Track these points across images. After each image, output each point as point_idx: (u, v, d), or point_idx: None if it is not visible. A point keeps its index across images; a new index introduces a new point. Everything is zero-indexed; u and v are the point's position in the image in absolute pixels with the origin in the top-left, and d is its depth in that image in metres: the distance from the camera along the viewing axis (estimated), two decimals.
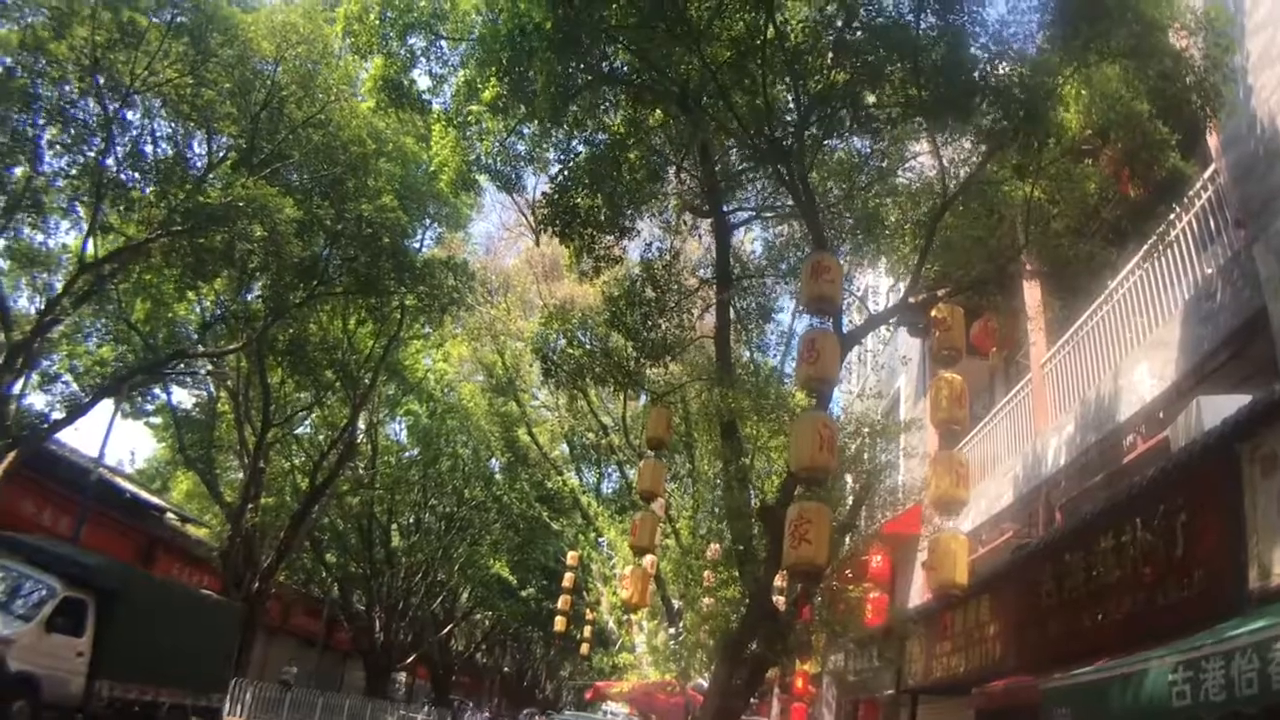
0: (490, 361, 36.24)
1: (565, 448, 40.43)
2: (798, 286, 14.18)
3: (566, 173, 13.79)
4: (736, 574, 13.14)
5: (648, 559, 23.04)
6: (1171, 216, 11.23)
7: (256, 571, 29.37)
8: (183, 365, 27.04)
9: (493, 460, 42.60)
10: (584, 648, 34.00)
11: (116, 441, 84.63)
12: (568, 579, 31.62)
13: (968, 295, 11.56)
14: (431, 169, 18.60)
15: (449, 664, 54.17)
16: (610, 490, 38.42)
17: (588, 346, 15.78)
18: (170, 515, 33.13)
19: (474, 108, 13.49)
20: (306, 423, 36.36)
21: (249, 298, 26.00)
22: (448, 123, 15.23)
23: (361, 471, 38.05)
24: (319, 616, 43.25)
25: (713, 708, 12.02)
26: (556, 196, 13.55)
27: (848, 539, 14.33)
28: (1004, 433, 16.16)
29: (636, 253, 18.11)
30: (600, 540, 31.98)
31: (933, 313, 10.54)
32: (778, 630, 11.72)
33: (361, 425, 36.02)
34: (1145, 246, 11.70)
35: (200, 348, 26.43)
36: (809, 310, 9.12)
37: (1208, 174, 10.89)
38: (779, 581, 15.07)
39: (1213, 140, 10.90)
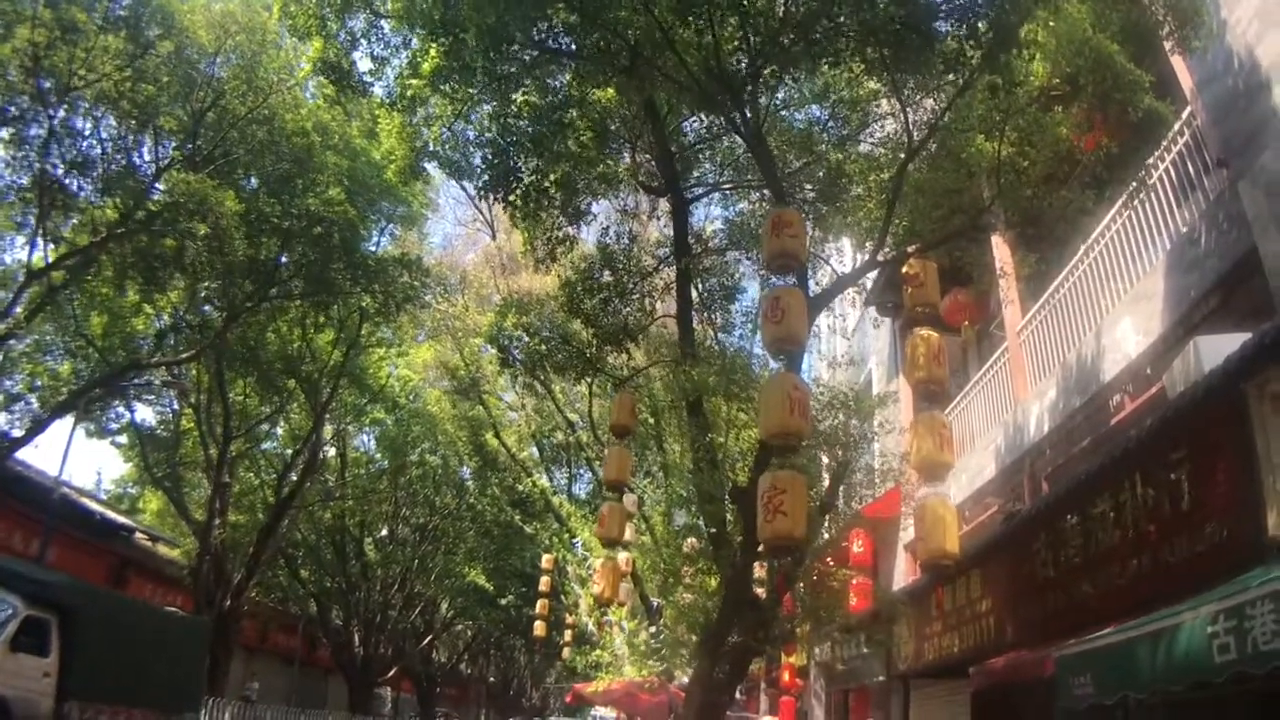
0: (452, 364, 35.57)
1: (535, 450, 39.77)
2: (761, 262, 13.61)
3: (504, 133, 13.08)
4: (714, 564, 12.56)
5: (622, 555, 22.51)
6: (1150, 162, 10.75)
7: (227, 589, 28.61)
8: (140, 378, 26.12)
9: (463, 468, 41.89)
10: (565, 651, 33.25)
11: (83, 462, 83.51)
12: (544, 583, 30.94)
13: (939, 253, 10.97)
14: (378, 158, 17.95)
15: (432, 676, 53.32)
16: (583, 491, 37.83)
17: (545, 334, 15.04)
18: (140, 535, 32.24)
19: (414, 82, 12.84)
20: (275, 438, 35.63)
21: (206, 309, 25.27)
22: (391, 106, 14.64)
23: (332, 484, 37.38)
24: (300, 634, 42.28)
25: (695, 703, 11.37)
26: (495, 160, 12.88)
27: (827, 521, 13.78)
28: (982, 405, 15.70)
29: (594, 240, 17.44)
30: (575, 541, 31.28)
31: (904, 269, 9.93)
32: (759, 619, 11.13)
33: (328, 436, 35.41)
34: (1122, 197, 11.25)
35: (156, 358, 25.51)
36: (771, 268, 8.44)
37: (1184, 117, 10.42)
38: (759, 572, 14.48)
39: (1187, 82, 10.45)
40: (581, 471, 37.67)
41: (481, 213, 21.10)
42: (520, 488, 36.72)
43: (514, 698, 72.44)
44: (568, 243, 15.27)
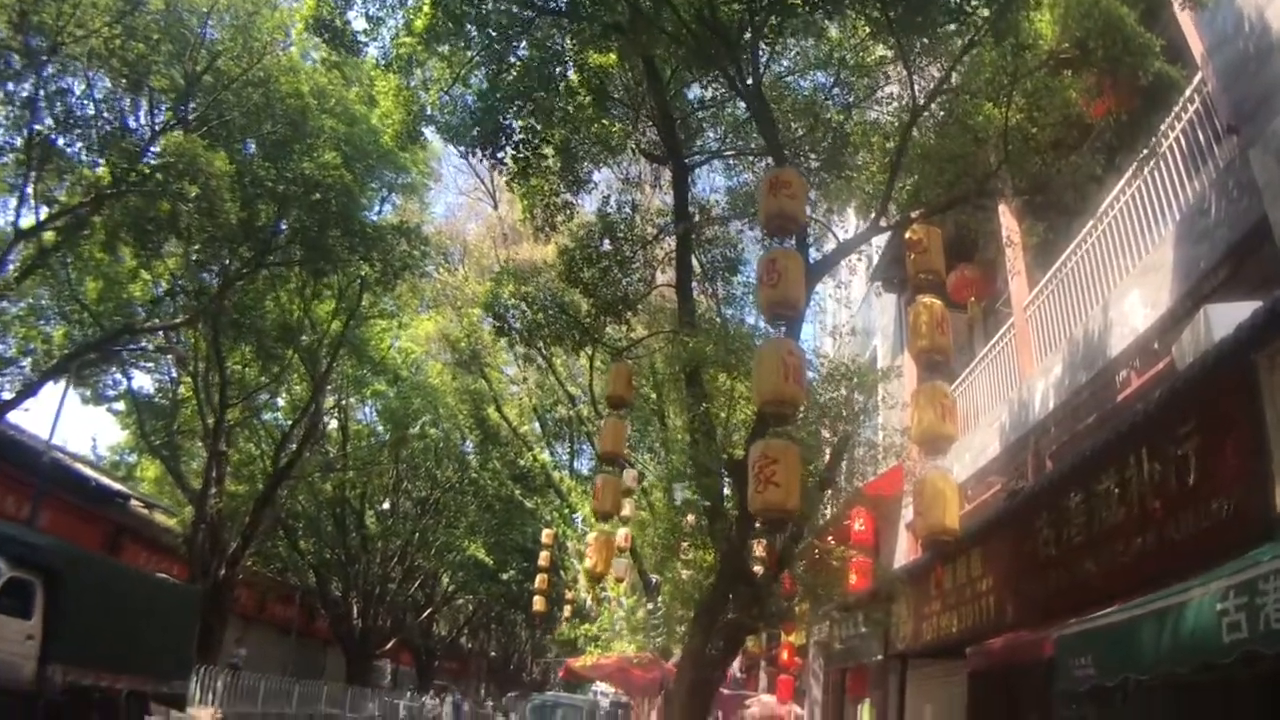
0: (453, 336, 35.30)
1: (537, 426, 39.56)
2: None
3: (494, 88, 12.71)
4: (710, 539, 12.32)
5: (621, 531, 22.30)
6: (1160, 131, 10.43)
7: (223, 558, 28.50)
8: (134, 343, 25.90)
9: (465, 442, 41.69)
10: (564, 626, 33.11)
11: (79, 429, 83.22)
12: (543, 558, 30.63)
13: (945, 226, 10.64)
14: (376, 124, 17.65)
15: (432, 649, 53.37)
16: (585, 467, 37.63)
17: (542, 303, 14.69)
18: (135, 502, 31.97)
19: (408, 40, 12.53)
20: (276, 409, 35.40)
21: (202, 276, 24.99)
22: (387, 68, 14.34)
23: (333, 456, 37.24)
24: (298, 605, 42.08)
25: (687, 679, 11.14)
26: (484, 115, 12.56)
27: (827, 497, 13.54)
28: (987, 383, 15.38)
29: (594, 210, 17.07)
30: (575, 516, 31.09)
31: (907, 235, 9.60)
32: (754, 595, 10.88)
33: (329, 408, 35.32)
34: (1131, 167, 10.94)
35: (150, 323, 25.30)
36: (769, 230, 8.09)
37: (1194, 84, 10.08)
38: (758, 550, 14.24)
39: (1197, 47, 10.10)
40: (583, 446, 37.58)
41: (483, 182, 20.83)
42: (522, 462, 36.56)
43: (514, 672, 72.66)
44: (567, 210, 14.97)
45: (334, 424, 38.69)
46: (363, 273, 24.73)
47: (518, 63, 12.71)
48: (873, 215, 11.60)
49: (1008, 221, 14.04)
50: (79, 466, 29.99)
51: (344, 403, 37.82)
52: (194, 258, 22.12)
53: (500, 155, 12.94)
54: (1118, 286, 10.88)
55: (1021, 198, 12.32)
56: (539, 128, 13.07)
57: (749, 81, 10.51)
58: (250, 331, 25.95)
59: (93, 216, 21.24)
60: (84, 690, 16.82)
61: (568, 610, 33.49)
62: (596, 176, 16.56)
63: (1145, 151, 10.42)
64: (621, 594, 25.04)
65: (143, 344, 25.94)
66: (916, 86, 11.00)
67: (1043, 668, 7.63)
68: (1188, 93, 10.11)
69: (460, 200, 36.55)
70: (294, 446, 30.86)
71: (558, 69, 12.98)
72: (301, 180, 20.96)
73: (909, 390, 16.13)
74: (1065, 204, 11.07)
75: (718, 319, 14.39)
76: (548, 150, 13.55)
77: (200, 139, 19.36)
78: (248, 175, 20.82)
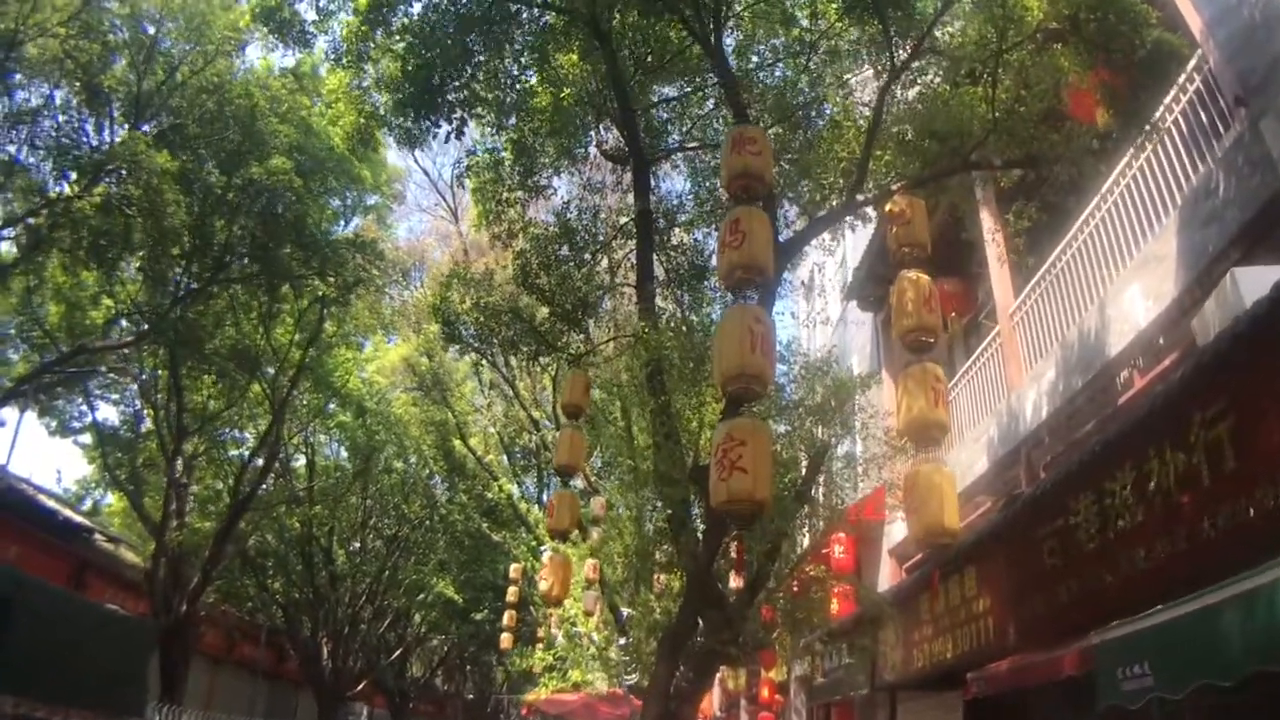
0: (411, 359, 34.36)
1: (505, 458, 38.46)
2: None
3: (426, 41, 11.75)
4: (677, 558, 11.32)
5: (589, 563, 21.30)
6: (1159, 112, 9.72)
7: (184, 593, 27.19)
8: (90, 365, 24.79)
9: (433, 476, 40.55)
10: (504, 638, 31.93)
11: (44, 461, 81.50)
12: (511, 593, 29.43)
13: (928, 192, 9.75)
14: (326, 125, 16.86)
15: (405, 691, 51.77)
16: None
17: (494, 307, 13.70)
18: (100, 537, 30.75)
19: (352, 20, 11.72)
20: (244, 442, 34.25)
21: (159, 298, 23.94)
22: (337, 62, 13.58)
23: (300, 490, 36.15)
24: (268, 646, 40.83)
25: (652, 713, 10.02)
26: (413, 70, 11.66)
27: (803, 515, 12.63)
28: (971, 398, 14.61)
29: (553, 217, 16.17)
30: (543, 549, 29.91)
31: (887, 207, 8.70)
32: (725, 618, 9.88)
33: (292, 440, 34.41)
34: (1127, 155, 10.25)
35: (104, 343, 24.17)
36: (732, 192, 7.05)
37: (1194, 61, 9.44)
38: (734, 582, 13.20)
39: (1196, 22, 9.42)
40: (551, 478, 36.32)
41: (443, 197, 19.90)
42: (489, 495, 35.39)
43: (491, 714, 70.85)
44: (520, 208, 14.24)
45: (301, 460, 37.71)
46: (319, 292, 23.74)
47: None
48: (846, 192, 10.75)
49: (990, 224, 13.47)
50: (42, 499, 28.74)
51: (309, 436, 36.74)
52: (137, 265, 20.88)
53: (439, 123, 12.06)
54: (1115, 281, 10.23)
55: (1010, 175, 11.53)
56: (482, 92, 12.19)
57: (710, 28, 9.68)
58: (207, 355, 24.89)
59: (51, 233, 20.35)
60: None
61: (538, 649, 32.34)
62: (556, 182, 15.79)
63: (1143, 135, 9.73)
64: (592, 629, 23.89)
65: (100, 367, 24.72)
66: (894, 53, 10.26)
67: (1059, 690, 6.66)
68: (1188, 69, 9.51)
69: (424, 222, 35.64)
70: (257, 477, 29.63)
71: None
72: (250, 185, 20.11)
73: (887, 405, 15.40)
74: (1058, 181, 10.27)
75: (683, 322, 13.48)
76: (501, 142, 12.76)
77: (149, 143, 18.44)
78: (197, 181, 20.05)
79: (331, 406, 35.40)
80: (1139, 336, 9.47)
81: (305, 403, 32.80)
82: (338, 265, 21.88)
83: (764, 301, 7.92)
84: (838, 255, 25.88)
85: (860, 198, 10.35)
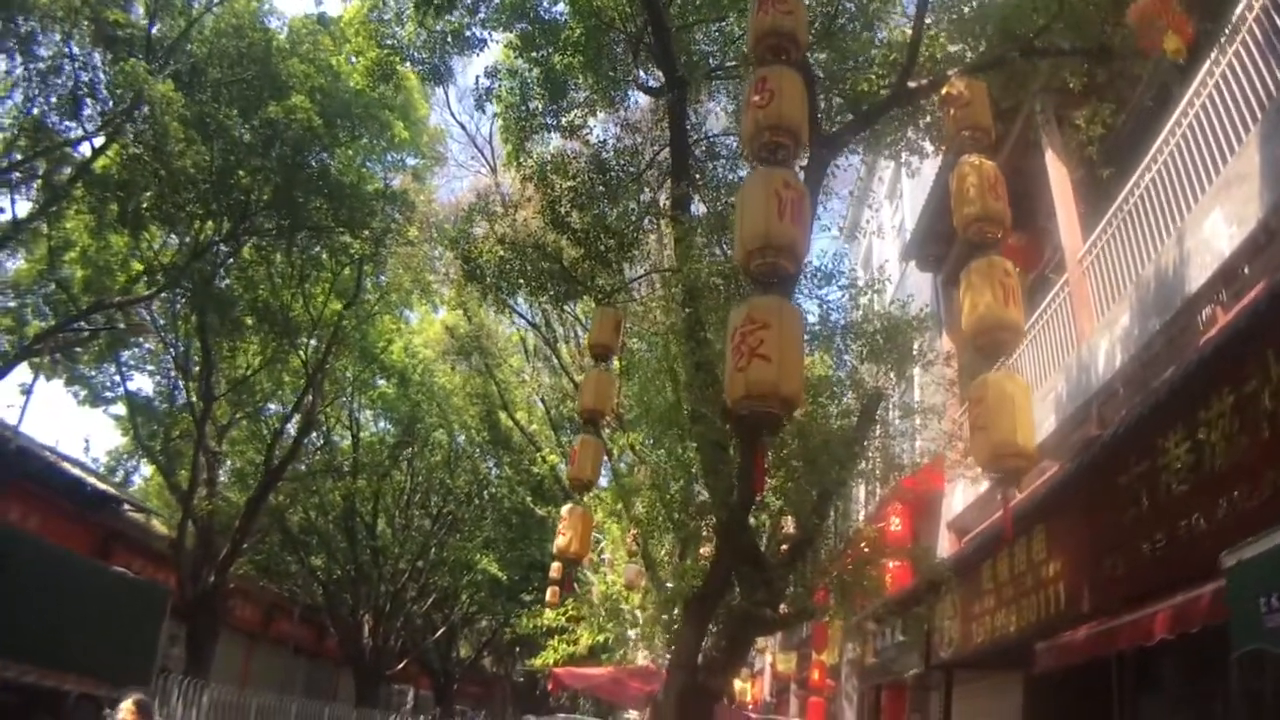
0: (451, 321, 33.49)
1: (552, 432, 37.55)
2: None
3: None
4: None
5: (630, 533, 20.22)
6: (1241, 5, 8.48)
7: (214, 564, 26.66)
8: (110, 323, 24.25)
9: (477, 450, 39.72)
10: (582, 640, 30.91)
11: (74, 430, 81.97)
12: (555, 569, 28.52)
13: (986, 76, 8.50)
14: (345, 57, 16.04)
15: (450, 672, 51.21)
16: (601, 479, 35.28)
17: (520, 244, 12.62)
18: (127, 507, 30.23)
19: None
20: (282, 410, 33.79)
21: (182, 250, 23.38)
22: None
23: (344, 464, 36.03)
24: (308, 623, 40.63)
25: (677, 685, 8.91)
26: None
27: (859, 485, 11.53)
28: (1037, 356, 13.31)
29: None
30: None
31: (945, 89, 7.49)
32: (763, 577, 8.80)
33: (331, 412, 34.05)
34: (1204, 67, 8.98)
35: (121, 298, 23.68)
36: (758, 55, 5.88)
37: None
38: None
39: None
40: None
41: (480, 152, 18.93)
42: (535, 470, 34.42)
43: (540, 696, 70.25)
44: (553, 158, 13.23)
45: (346, 436, 37.28)
46: (351, 250, 22.92)
47: None
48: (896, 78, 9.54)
49: (1055, 169, 12.34)
50: (66, 467, 28.34)
51: (353, 410, 36.34)
52: (145, 206, 20.08)
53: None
54: (1193, 210, 9.03)
55: (1079, 76, 10.25)
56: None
57: None
58: (236, 315, 24.36)
59: (71, 186, 19.88)
60: (23, 688, 15.19)
61: (546, 610, 31.46)
62: (592, 123, 14.73)
63: (1219, 44, 8.52)
64: (636, 605, 22.88)
65: (119, 324, 24.15)
66: None
67: (1134, 663, 5.48)
68: None
69: (463, 179, 34.65)
70: (291, 445, 29.08)
71: None
72: (269, 127, 19.28)
73: (951, 374, 14.30)
74: (1131, 79, 9.02)
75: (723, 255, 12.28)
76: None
77: (150, 71, 17.68)
78: (215, 127, 19.24)
79: (379, 381, 34.90)
80: (1223, 267, 8.28)
81: (348, 374, 32.17)
82: (366, 216, 20.96)
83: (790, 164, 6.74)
84: (895, 218, 24.70)
85: (913, 85, 9.15)
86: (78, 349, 26.89)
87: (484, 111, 13.16)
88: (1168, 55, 7.54)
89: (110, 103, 18.53)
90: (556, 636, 21.64)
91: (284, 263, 24.74)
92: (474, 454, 39.74)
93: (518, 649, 65.13)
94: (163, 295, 25.19)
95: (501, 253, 12.49)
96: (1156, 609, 6.23)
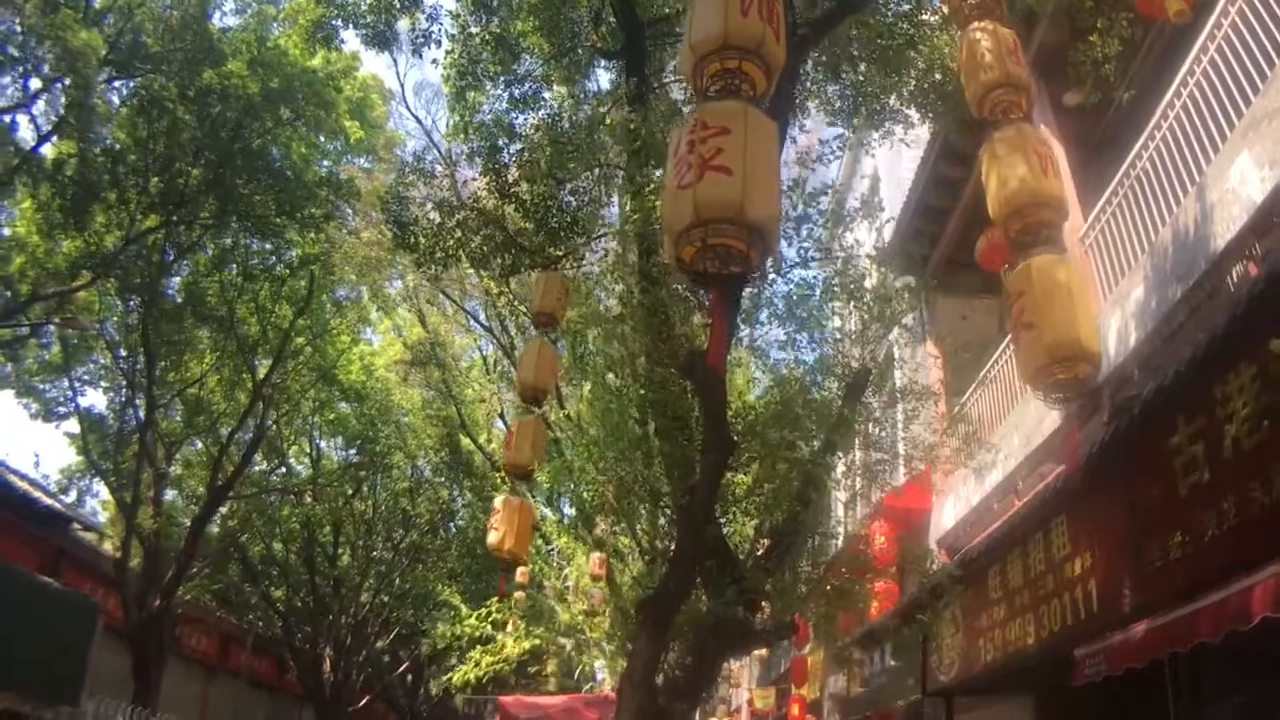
0: (402, 323, 32.16)
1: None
2: None
3: None
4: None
5: (595, 556, 18.92)
6: None
7: (159, 588, 24.96)
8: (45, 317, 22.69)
9: (440, 475, 38.18)
10: (551, 683, 29.30)
11: (25, 445, 79.44)
12: (519, 597, 26.96)
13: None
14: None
15: (417, 711, 49.11)
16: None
17: (459, 209, 11.13)
18: (76, 526, 28.56)
19: None
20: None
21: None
22: None
23: (299, 487, 34.49)
24: (269, 655, 38.65)
25: (632, 709, 7.27)
26: None
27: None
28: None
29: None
30: (550, 549, 27.32)
31: None
32: (733, 575, 7.31)
33: (291, 437, 33.00)
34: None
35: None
36: None
37: None
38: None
39: None
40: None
41: (436, 147, 17.52)
42: (495, 494, 32.83)
43: None
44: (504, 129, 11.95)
45: (304, 459, 36.15)
46: (294, 242, 21.52)
47: None
48: None
49: (1051, 147, 10.99)
50: (12, 480, 26.69)
51: (311, 433, 35.07)
52: (70, 172, 18.74)
53: None
54: (1214, 160, 7.91)
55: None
56: None
57: None
58: (170, 309, 23.16)
59: (13, 178, 18.86)
60: None
61: (552, 665, 29.84)
62: (547, 96, 13.44)
63: None
64: (601, 636, 21.35)
65: (54, 319, 22.60)
66: None
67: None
68: None
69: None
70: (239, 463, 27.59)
71: None
72: (203, 96, 17.96)
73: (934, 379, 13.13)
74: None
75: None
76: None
77: (77, 19, 16.45)
78: (146, 94, 18.04)
79: (340, 404, 33.54)
80: (1254, 216, 7.12)
81: (307, 394, 30.64)
82: (307, 203, 19.55)
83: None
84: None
85: None
86: (17, 347, 25.68)
87: (420, 57, 11.83)
88: (1170, 18, 6.41)
89: (28, 63, 17.20)
90: (478, 647, 19.82)
91: (225, 259, 23.64)
92: (435, 481, 38.24)
93: (490, 687, 63.08)
94: (114, 306, 24.33)
95: (438, 217, 11.03)
96: (1250, 582, 4.82)
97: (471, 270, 16.73)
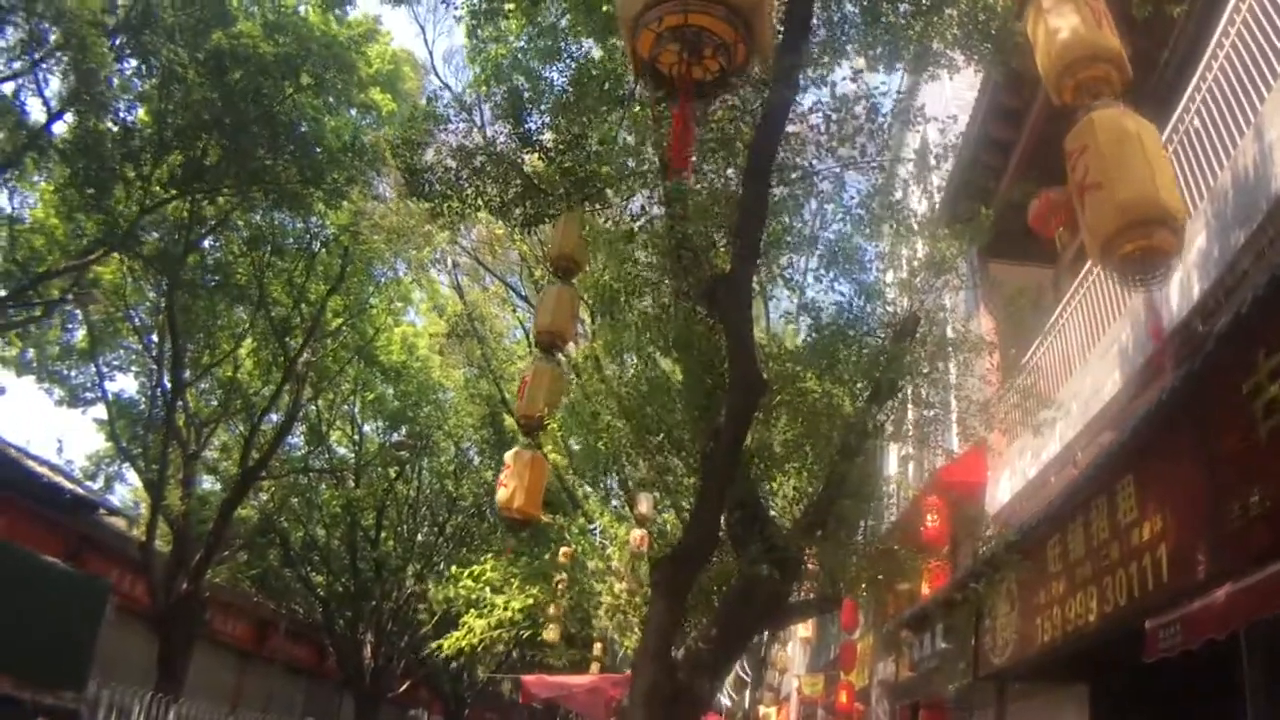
0: (440, 299, 31.71)
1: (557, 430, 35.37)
2: None
3: None
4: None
5: (636, 533, 18.29)
6: None
7: (187, 571, 24.79)
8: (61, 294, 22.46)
9: (482, 456, 37.73)
10: (594, 666, 28.58)
11: (46, 432, 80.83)
12: (561, 580, 26.35)
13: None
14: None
15: (462, 696, 48.85)
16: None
17: (475, 150, 10.41)
18: (102, 511, 28.31)
19: None
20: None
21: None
22: None
23: (344, 473, 34.82)
24: (308, 641, 38.56)
25: (646, 683, 6.55)
26: None
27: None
28: (1088, 314, 11.30)
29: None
30: (593, 527, 26.68)
31: None
32: (763, 538, 6.57)
33: (332, 418, 32.74)
34: None
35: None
36: None
37: None
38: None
39: None
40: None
41: (469, 114, 16.71)
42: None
43: None
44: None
45: (335, 432, 35.70)
46: (318, 211, 21.10)
47: None
48: None
49: None
50: (34, 466, 26.46)
51: (354, 413, 34.81)
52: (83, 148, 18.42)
53: None
54: (1269, 97, 7.42)
55: None
56: None
57: None
58: (195, 283, 22.88)
59: (23, 154, 18.62)
60: None
61: (598, 649, 29.13)
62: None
63: None
64: (641, 618, 20.73)
65: (68, 295, 22.28)
66: None
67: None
68: None
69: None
70: (270, 443, 27.37)
71: None
72: (215, 58, 17.40)
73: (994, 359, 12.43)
74: None
75: None
76: None
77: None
78: (156, 60, 17.61)
79: (381, 384, 33.51)
80: None
81: (343, 371, 30.36)
82: (329, 168, 19.04)
83: None
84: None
85: None
86: (36, 330, 25.48)
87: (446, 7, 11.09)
88: None
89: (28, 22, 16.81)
90: (471, 611, 18.85)
91: (258, 239, 23.36)
92: (480, 463, 37.77)
93: (536, 672, 62.61)
94: (144, 290, 24.30)
95: (452, 162, 10.36)
96: None
97: (499, 229, 15.90)
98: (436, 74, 36.45)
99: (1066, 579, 8.71)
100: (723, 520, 6.94)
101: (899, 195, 11.03)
